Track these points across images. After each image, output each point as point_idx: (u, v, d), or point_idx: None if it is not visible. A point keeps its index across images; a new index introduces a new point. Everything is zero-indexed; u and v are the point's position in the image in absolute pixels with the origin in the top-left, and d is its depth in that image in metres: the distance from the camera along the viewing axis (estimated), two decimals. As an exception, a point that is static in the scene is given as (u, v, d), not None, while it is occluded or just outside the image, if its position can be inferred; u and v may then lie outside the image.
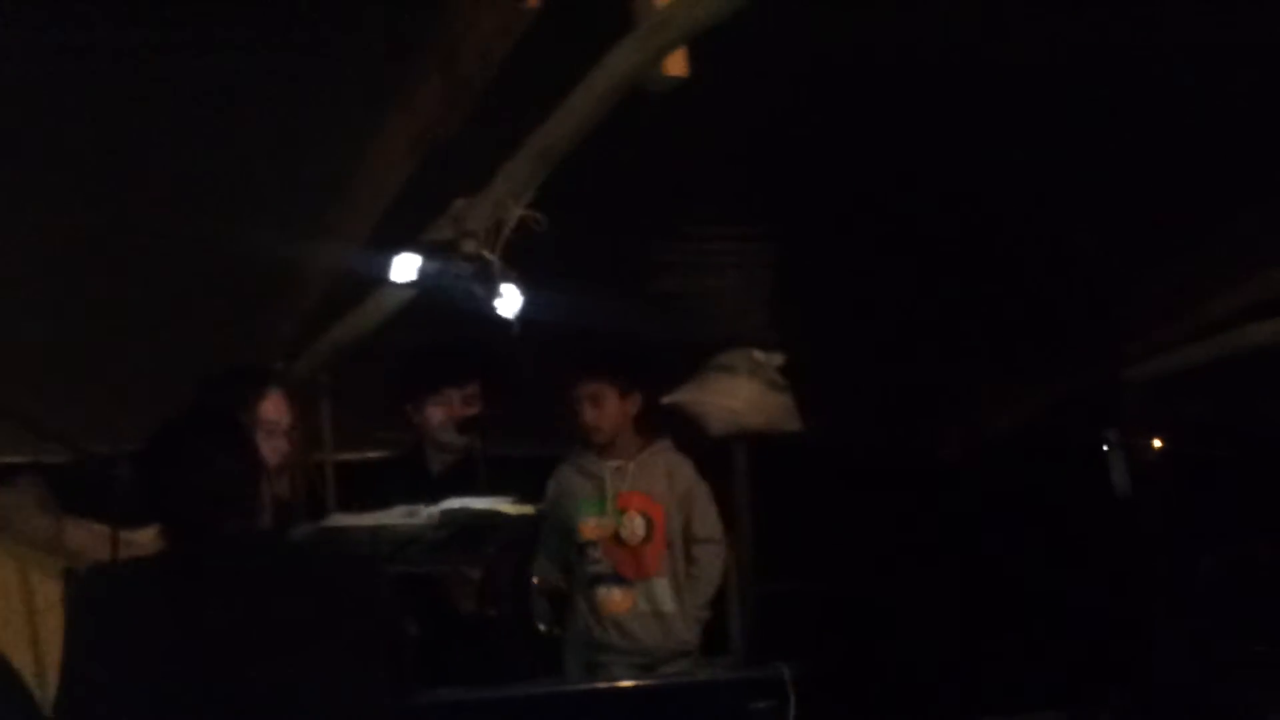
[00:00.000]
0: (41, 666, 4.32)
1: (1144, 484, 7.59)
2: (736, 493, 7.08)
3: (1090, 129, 5.41)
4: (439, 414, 5.28)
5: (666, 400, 6.69)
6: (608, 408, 5.39)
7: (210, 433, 3.69)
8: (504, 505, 4.53)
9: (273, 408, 4.60)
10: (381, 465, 6.18)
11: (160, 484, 3.60)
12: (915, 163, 5.60)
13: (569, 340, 5.31)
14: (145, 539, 3.91)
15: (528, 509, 4.59)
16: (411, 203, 4.97)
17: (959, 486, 8.40)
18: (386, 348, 5.70)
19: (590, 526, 5.45)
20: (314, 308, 6.13)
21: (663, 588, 5.43)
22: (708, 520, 5.52)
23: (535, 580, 5.37)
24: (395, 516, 4.42)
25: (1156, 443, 7.72)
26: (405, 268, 4.65)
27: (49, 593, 4.37)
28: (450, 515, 4.43)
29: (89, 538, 4.35)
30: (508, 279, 4.44)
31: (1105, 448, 7.58)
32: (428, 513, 4.43)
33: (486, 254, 4.39)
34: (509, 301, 4.47)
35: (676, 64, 3.81)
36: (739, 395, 6.91)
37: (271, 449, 4.49)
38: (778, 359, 7.00)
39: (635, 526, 5.41)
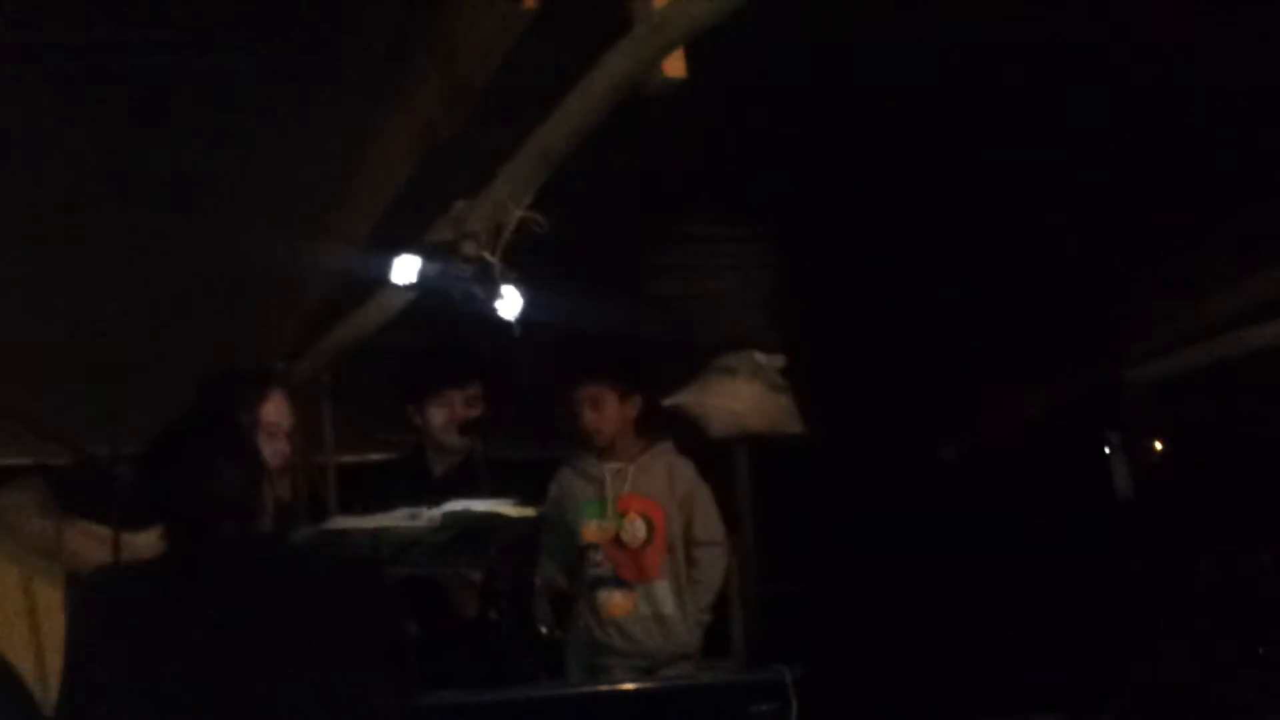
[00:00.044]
0: (43, 669, 4.32)
1: (1145, 485, 7.60)
2: (738, 495, 7.08)
3: (1090, 129, 5.42)
4: (440, 416, 5.28)
5: (668, 402, 6.70)
6: (607, 411, 5.39)
7: (211, 435, 3.69)
8: (505, 507, 4.53)
9: (274, 410, 4.60)
10: (383, 467, 6.18)
11: (161, 486, 3.60)
12: (914, 163, 5.60)
13: (570, 342, 5.31)
14: (146, 541, 3.91)
15: (529, 511, 4.59)
16: (411, 204, 4.97)
17: (960, 488, 8.40)
18: (387, 350, 5.70)
19: (591, 529, 5.45)
20: (315, 309, 6.14)
21: (664, 590, 5.42)
22: (709, 522, 5.51)
23: (538, 581, 5.37)
24: (397, 519, 4.42)
25: (1158, 444, 7.73)
26: (406, 269, 4.65)
27: (50, 596, 4.37)
28: (452, 517, 4.43)
29: (90, 540, 4.35)
30: (508, 281, 4.44)
31: (1106, 449, 7.59)
32: (429, 515, 4.43)
33: (487, 256, 4.39)
34: (510, 303, 4.47)
35: (675, 65, 3.81)
36: (740, 397, 6.92)
37: (273, 451, 4.49)
38: (779, 361, 7.01)
39: (636, 529, 5.41)
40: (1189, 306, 7.24)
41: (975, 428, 8.55)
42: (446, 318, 4.78)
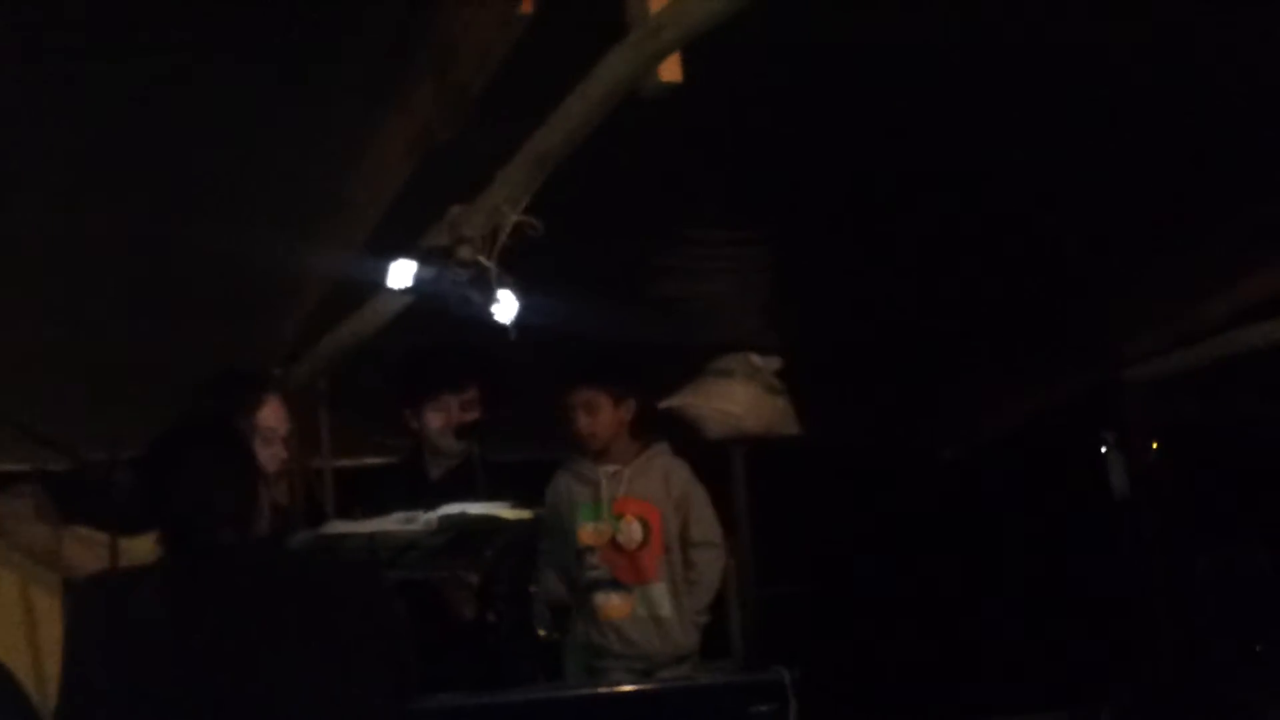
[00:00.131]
0: (41, 674, 4.32)
1: (1142, 485, 7.60)
2: (735, 496, 7.08)
3: (1089, 129, 5.42)
4: (437, 420, 5.28)
5: (664, 405, 6.70)
6: (601, 415, 5.38)
7: (208, 440, 3.69)
8: (502, 510, 4.54)
9: (271, 414, 4.60)
10: (380, 471, 6.17)
11: (158, 491, 3.61)
12: (912, 164, 5.60)
13: (566, 345, 5.31)
14: (144, 546, 3.91)
15: (525, 513, 4.60)
16: (408, 209, 4.98)
17: (958, 488, 8.40)
18: (384, 354, 5.70)
19: (588, 532, 5.44)
20: (311, 313, 6.14)
21: (661, 592, 5.41)
22: (705, 524, 5.51)
23: (533, 589, 5.38)
24: (393, 522, 4.43)
25: (1155, 444, 7.74)
26: (402, 274, 4.65)
27: (48, 601, 4.37)
28: (448, 520, 4.44)
29: (88, 545, 4.36)
30: (504, 285, 4.44)
31: (1104, 449, 7.59)
32: (426, 518, 4.44)
33: (483, 260, 4.39)
34: (506, 307, 4.47)
35: (671, 69, 3.81)
36: (737, 399, 6.92)
37: (269, 456, 4.49)
38: (775, 363, 7.01)
39: (632, 531, 5.40)
40: (1187, 306, 7.24)
41: (974, 428, 8.55)
42: (443, 322, 4.79)
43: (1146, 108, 5.27)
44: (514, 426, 5.57)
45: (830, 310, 7.03)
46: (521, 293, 4.46)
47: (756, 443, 7.08)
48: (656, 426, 5.73)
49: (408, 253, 4.63)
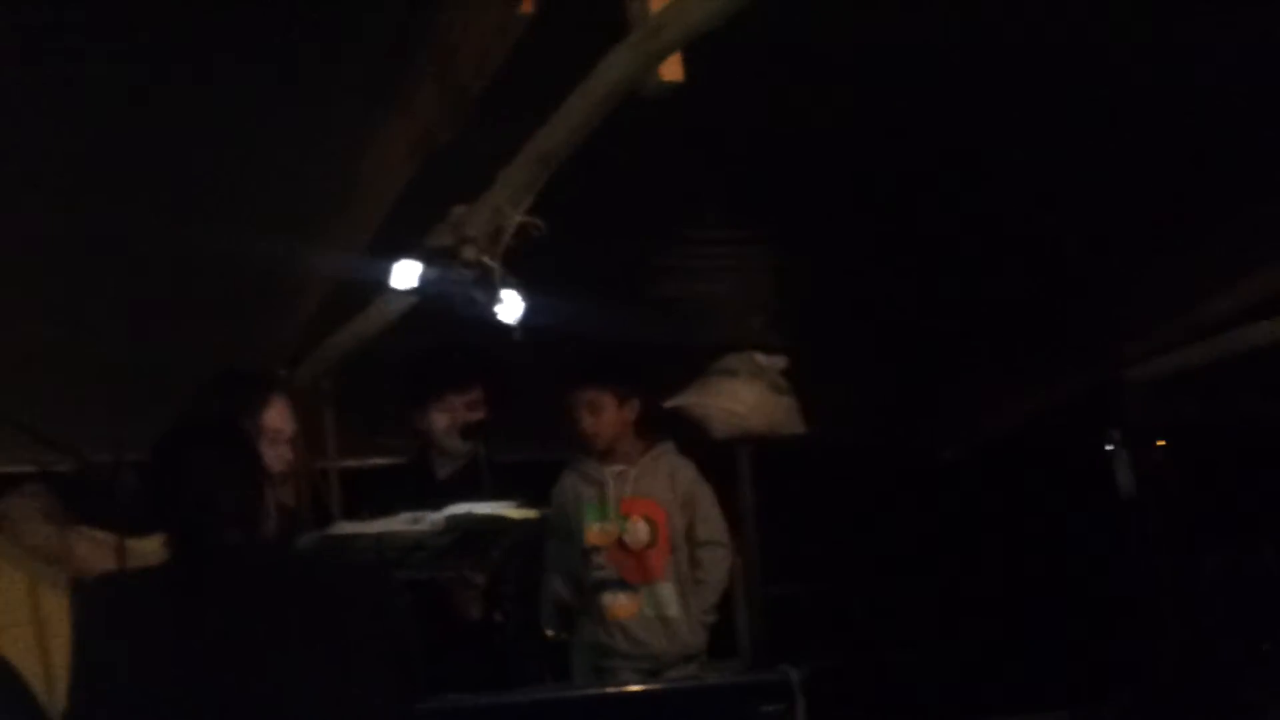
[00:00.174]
0: (49, 676, 4.32)
1: (1148, 484, 7.59)
2: (741, 496, 7.07)
3: (1090, 129, 5.42)
4: (442, 420, 5.29)
5: (670, 404, 6.70)
6: (606, 415, 5.39)
7: (214, 441, 3.70)
8: (508, 509, 4.54)
9: (276, 415, 4.61)
10: (387, 471, 6.18)
11: (165, 493, 3.62)
12: (913, 164, 5.61)
13: (570, 345, 5.32)
14: (151, 547, 3.92)
15: (531, 513, 4.60)
16: (410, 209, 4.99)
17: (963, 487, 8.40)
18: (388, 354, 5.71)
19: (594, 532, 5.44)
20: (316, 314, 6.15)
21: (668, 592, 5.41)
22: (711, 523, 5.51)
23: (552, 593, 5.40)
24: (400, 523, 4.43)
25: (1160, 443, 7.73)
26: (406, 274, 4.66)
27: (56, 602, 4.37)
28: (455, 521, 4.44)
29: (95, 546, 4.35)
30: (508, 285, 4.45)
31: (1109, 448, 7.59)
32: (432, 519, 4.44)
33: (486, 260, 4.40)
34: (510, 307, 4.48)
35: (672, 69, 3.83)
36: (742, 398, 6.91)
37: (275, 457, 4.50)
38: (780, 362, 7.00)
39: (639, 531, 5.41)
40: (1190, 305, 7.24)
41: (977, 427, 8.55)
42: (447, 322, 4.80)
43: (1146, 108, 5.27)
44: (519, 427, 5.58)
45: (832, 310, 7.03)
46: (525, 293, 4.47)
47: (762, 442, 7.08)
48: (662, 426, 5.74)
49: (412, 253, 4.64)
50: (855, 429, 8.02)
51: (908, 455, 8.49)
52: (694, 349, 6.97)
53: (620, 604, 5.40)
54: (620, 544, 5.41)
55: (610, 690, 5.04)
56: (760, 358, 6.95)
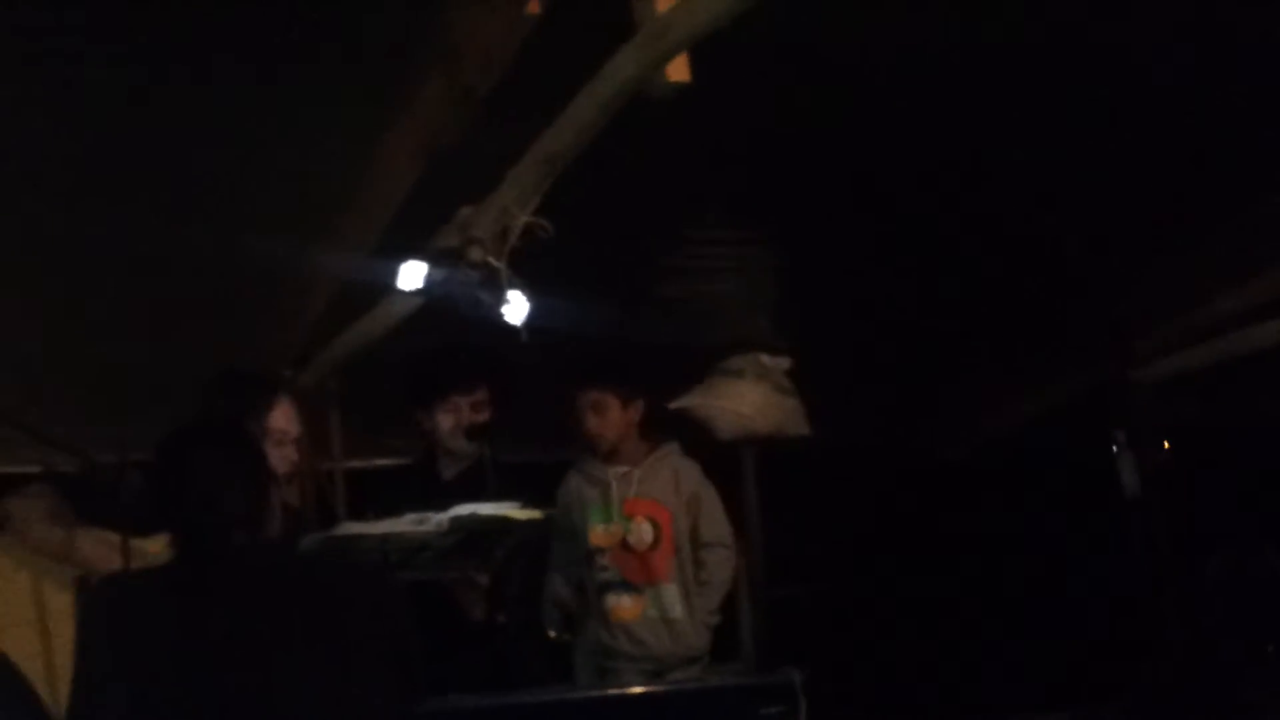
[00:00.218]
0: (53, 676, 4.32)
1: (1152, 485, 7.59)
2: (745, 497, 7.07)
3: (1089, 129, 5.41)
4: (447, 421, 5.29)
5: (674, 405, 6.69)
6: (610, 416, 5.39)
7: (219, 442, 3.70)
8: (512, 510, 4.54)
9: (281, 416, 4.61)
10: (393, 472, 6.18)
11: (170, 493, 3.62)
12: (917, 164, 5.61)
13: (575, 346, 5.32)
14: (156, 548, 3.92)
15: (536, 513, 4.60)
16: (417, 210, 4.98)
17: (967, 488, 8.40)
18: (394, 355, 5.71)
19: (598, 533, 5.43)
20: (322, 315, 6.14)
21: (671, 593, 5.41)
22: (715, 524, 5.51)
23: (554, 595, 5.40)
24: (405, 524, 4.44)
25: (1165, 444, 7.72)
26: (412, 275, 4.66)
27: (60, 602, 4.38)
28: (459, 521, 4.44)
29: (100, 546, 4.36)
30: (514, 286, 4.45)
31: (1114, 448, 7.58)
32: (437, 519, 4.44)
33: (493, 261, 4.40)
34: (516, 308, 4.48)
35: (679, 69, 3.82)
36: (747, 400, 6.91)
37: (280, 457, 4.50)
38: (785, 363, 6.99)
39: (643, 532, 5.40)
40: (1194, 305, 7.23)
41: (980, 428, 8.54)
42: (453, 323, 4.79)
43: (1146, 108, 5.27)
44: (524, 428, 5.58)
45: (836, 310, 7.03)
46: (531, 294, 4.47)
47: (767, 443, 7.07)
48: (666, 427, 5.73)
49: (418, 254, 4.64)
50: (863, 429, 8.01)
51: (911, 456, 8.48)
52: (699, 350, 6.96)
53: (624, 605, 5.39)
54: (624, 545, 5.41)
55: (613, 692, 5.04)
56: (765, 359, 6.94)
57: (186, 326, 6.00)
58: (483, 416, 5.28)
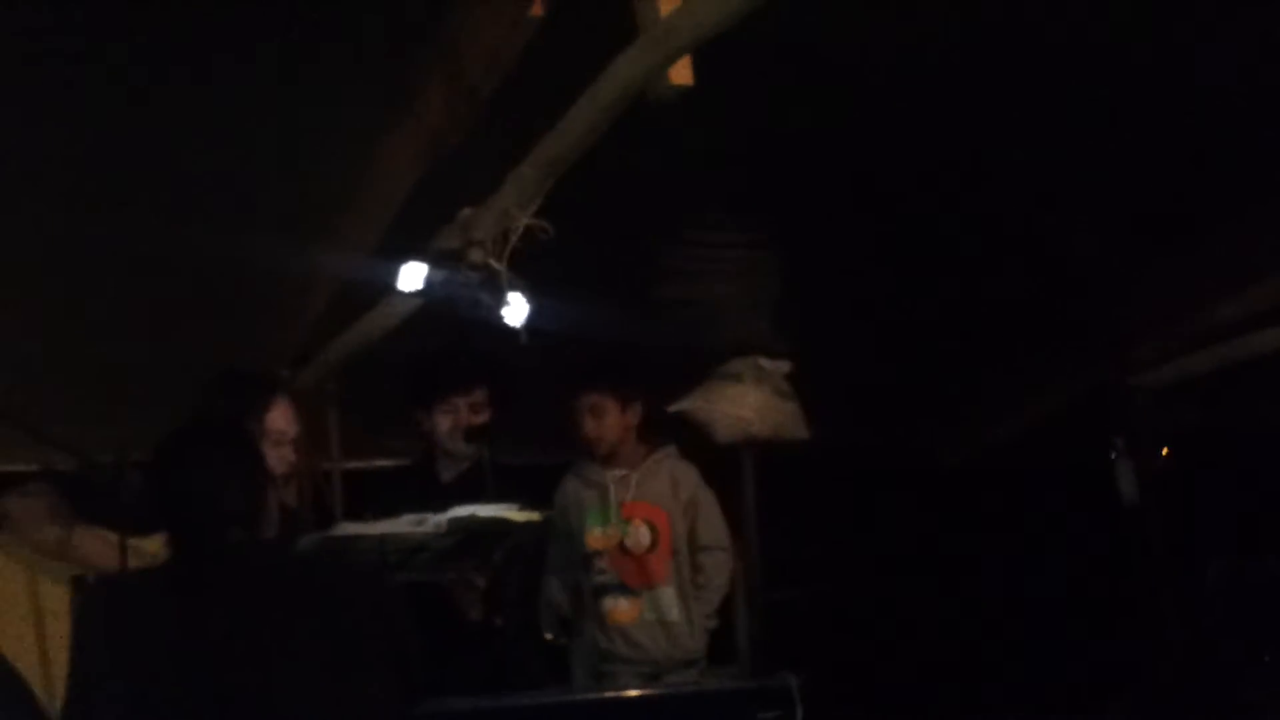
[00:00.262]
0: (49, 674, 4.32)
1: (1151, 491, 7.58)
2: (743, 500, 7.07)
3: (1091, 130, 5.41)
4: (446, 422, 5.29)
5: (674, 408, 6.69)
6: (608, 419, 5.39)
7: (217, 442, 3.70)
8: (511, 512, 4.54)
9: (280, 417, 4.61)
10: (393, 473, 6.18)
11: (167, 493, 3.61)
12: (919, 168, 5.60)
13: (574, 348, 5.32)
14: (155, 547, 3.92)
15: (534, 515, 4.60)
16: (418, 211, 4.98)
17: (966, 492, 8.39)
18: (394, 356, 5.70)
19: (596, 536, 5.44)
20: (321, 316, 6.14)
21: (669, 597, 5.41)
22: (713, 527, 5.51)
23: (548, 597, 5.39)
24: (403, 525, 4.44)
25: (1164, 450, 7.71)
26: (412, 276, 4.66)
27: (58, 600, 4.38)
28: (457, 523, 4.45)
29: (99, 545, 4.35)
30: (515, 287, 4.45)
31: (1113, 455, 7.58)
32: (435, 521, 4.45)
33: (493, 263, 4.40)
34: (516, 310, 4.48)
35: (682, 72, 3.82)
36: (746, 403, 6.91)
37: (278, 458, 4.50)
38: (784, 367, 7.00)
39: (640, 535, 5.41)
40: (1194, 310, 7.22)
41: (979, 432, 8.54)
42: (452, 324, 4.79)
43: (1147, 108, 5.26)
44: (523, 430, 5.57)
45: (837, 314, 7.02)
46: (531, 296, 4.47)
47: (765, 447, 7.07)
48: (664, 430, 5.74)
49: (419, 255, 4.64)
50: (861, 433, 8.01)
51: (910, 460, 8.48)
52: (698, 353, 6.96)
53: (621, 608, 5.40)
54: (621, 548, 5.41)
55: (610, 695, 5.03)
56: (764, 362, 6.94)
57: (186, 326, 6.00)
58: (481, 418, 5.28)
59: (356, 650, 3.50)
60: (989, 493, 8.30)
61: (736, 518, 6.20)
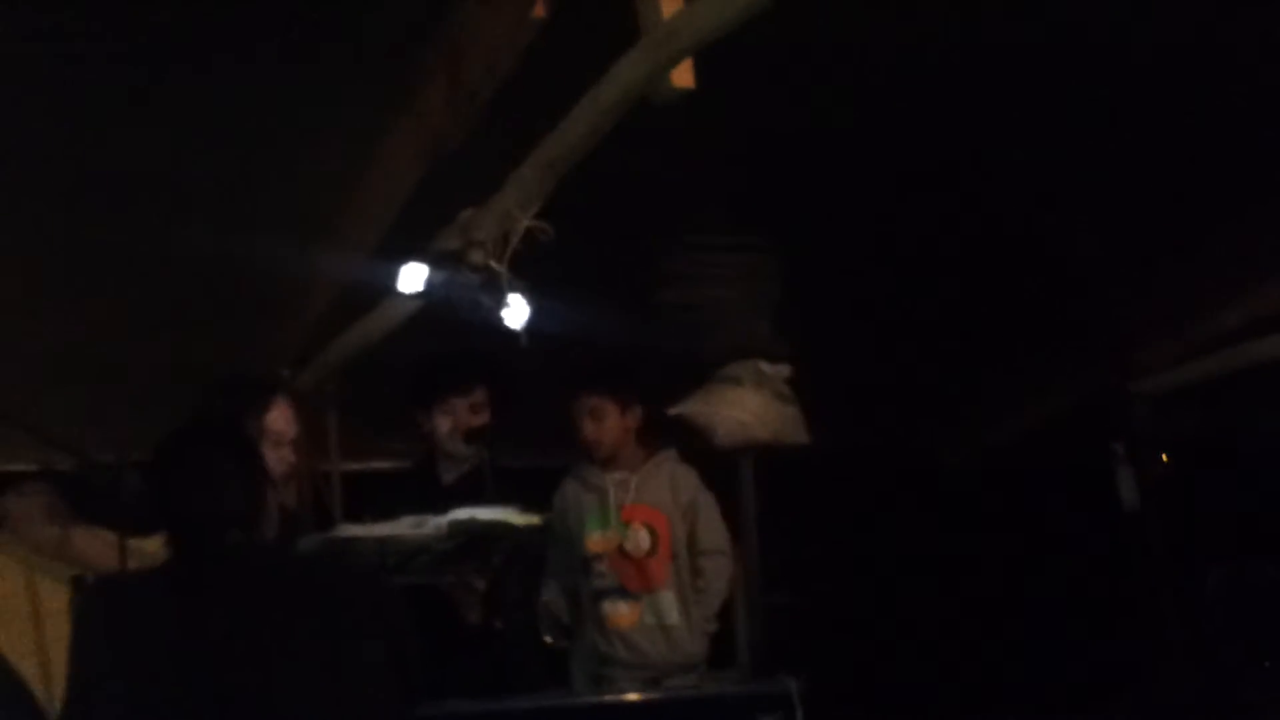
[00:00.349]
0: (48, 675, 4.32)
1: (1152, 497, 7.59)
2: (743, 504, 7.06)
3: (1092, 132, 5.41)
4: (446, 424, 5.29)
5: (673, 411, 6.68)
6: (608, 422, 5.39)
7: (216, 443, 3.70)
8: (511, 515, 4.53)
9: (279, 418, 4.60)
10: (394, 475, 6.18)
11: (167, 493, 3.61)
12: (920, 169, 5.60)
13: (574, 351, 5.31)
14: (153, 547, 3.91)
15: (534, 518, 4.60)
16: (418, 212, 4.98)
17: (967, 496, 8.39)
18: (394, 357, 5.70)
19: (595, 540, 5.43)
20: (321, 317, 6.14)
21: (668, 600, 5.40)
22: (712, 531, 5.50)
23: (545, 600, 5.38)
24: (403, 527, 4.43)
25: (1164, 456, 7.72)
26: (412, 278, 4.65)
27: (56, 600, 4.37)
28: (457, 525, 4.44)
29: (97, 545, 4.35)
30: (515, 289, 4.45)
31: (1114, 460, 7.58)
32: (435, 523, 4.44)
33: (494, 264, 4.39)
34: (516, 312, 4.47)
35: (683, 75, 3.82)
36: (746, 407, 6.89)
37: (278, 459, 4.49)
38: (785, 370, 6.99)
39: (640, 539, 5.40)
40: (1196, 317, 7.23)
41: (981, 436, 8.54)
42: (453, 326, 4.79)
43: (1147, 107, 5.26)
44: (523, 432, 5.57)
45: (837, 315, 7.02)
46: (531, 297, 4.47)
47: (765, 450, 7.06)
48: (664, 433, 5.73)
49: (418, 256, 4.63)
50: (862, 437, 8.01)
51: (910, 464, 8.48)
52: (698, 356, 6.96)
53: (621, 612, 5.39)
54: (621, 552, 5.40)
55: (609, 699, 5.03)
56: (765, 366, 6.93)
57: (186, 326, 6.00)
58: (481, 419, 5.27)
59: (356, 652, 3.49)
60: (989, 493, 8.30)
61: (736, 521, 6.19)
